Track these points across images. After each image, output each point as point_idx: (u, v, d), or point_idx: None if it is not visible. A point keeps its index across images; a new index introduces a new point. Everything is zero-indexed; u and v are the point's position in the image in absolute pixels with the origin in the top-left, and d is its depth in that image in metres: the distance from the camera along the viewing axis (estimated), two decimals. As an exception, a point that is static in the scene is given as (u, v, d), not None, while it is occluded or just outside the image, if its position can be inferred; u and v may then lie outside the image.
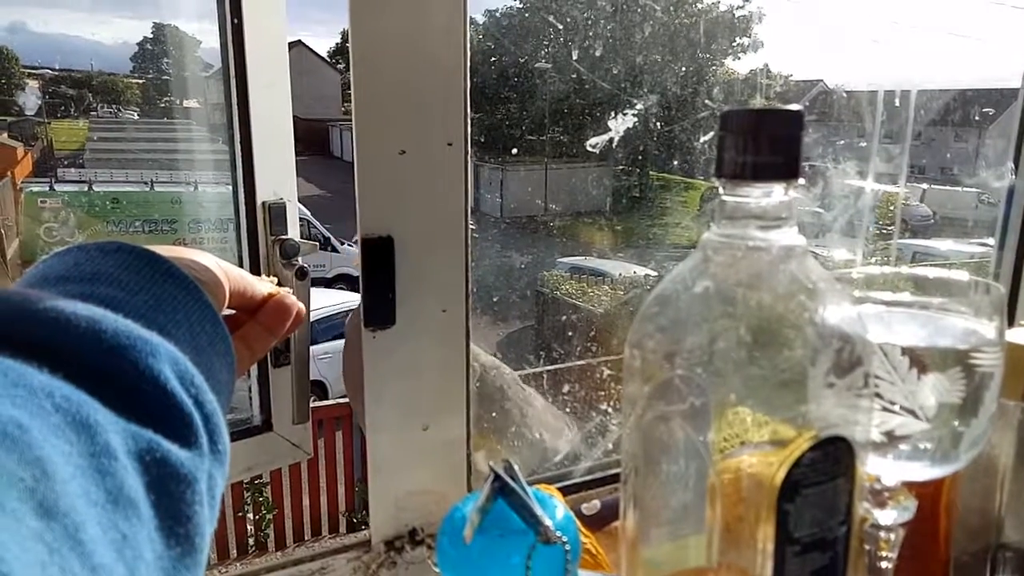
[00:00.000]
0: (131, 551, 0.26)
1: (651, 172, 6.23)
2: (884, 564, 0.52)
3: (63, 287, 0.34)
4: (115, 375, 0.30)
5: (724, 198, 0.44)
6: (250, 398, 0.76)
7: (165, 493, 0.29)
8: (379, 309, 0.64)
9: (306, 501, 4.42)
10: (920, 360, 0.46)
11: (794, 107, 0.42)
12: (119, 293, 0.34)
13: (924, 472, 0.48)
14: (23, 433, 0.24)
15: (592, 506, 0.70)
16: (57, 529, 0.23)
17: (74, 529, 0.24)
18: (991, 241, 1.13)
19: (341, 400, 4.52)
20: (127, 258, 0.36)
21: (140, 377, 0.30)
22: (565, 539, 0.36)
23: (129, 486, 0.27)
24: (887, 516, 0.51)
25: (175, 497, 0.29)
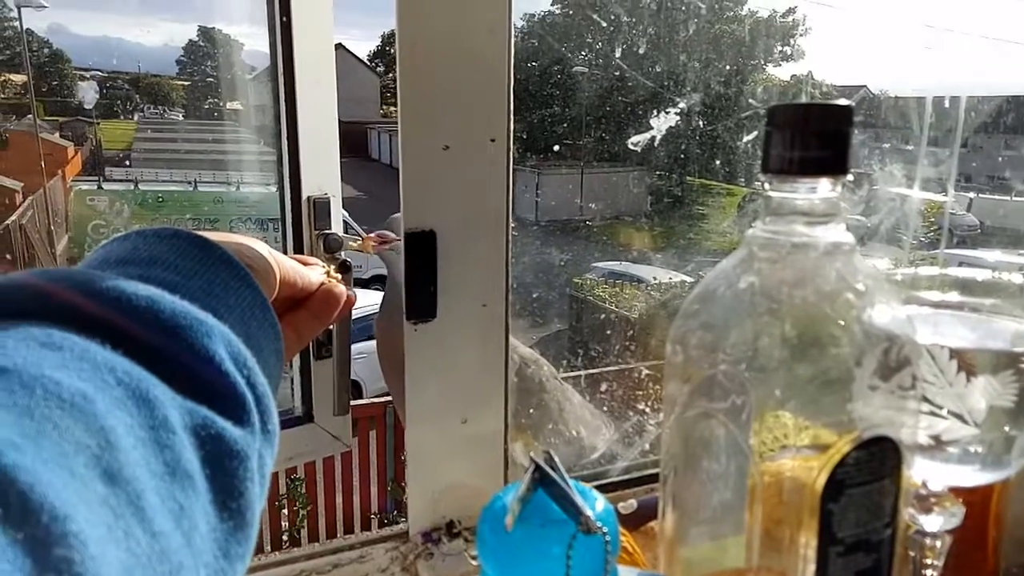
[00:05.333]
0: (187, 521, 0.27)
1: (690, 178, 6.16)
2: (929, 572, 0.51)
3: (123, 269, 0.35)
4: (172, 353, 0.31)
5: (770, 194, 0.44)
6: (292, 390, 0.77)
7: (219, 468, 0.29)
8: (421, 302, 0.65)
9: (339, 499, 4.45)
10: (969, 363, 0.45)
11: (842, 102, 0.42)
12: (175, 277, 0.35)
13: (973, 477, 0.47)
14: (88, 404, 0.25)
15: (628, 505, 0.70)
16: (121, 495, 0.24)
17: (136, 496, 0.25)
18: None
19: (376, 400, 4.55)
20: (182, 244, 0.37)
21: (196, 356, 0.31)
22: (606, 529, 0.36)
23: (186, 459, 0.28)
24: (933, 522, 0.50)
25: (229, 472, 0.30)
